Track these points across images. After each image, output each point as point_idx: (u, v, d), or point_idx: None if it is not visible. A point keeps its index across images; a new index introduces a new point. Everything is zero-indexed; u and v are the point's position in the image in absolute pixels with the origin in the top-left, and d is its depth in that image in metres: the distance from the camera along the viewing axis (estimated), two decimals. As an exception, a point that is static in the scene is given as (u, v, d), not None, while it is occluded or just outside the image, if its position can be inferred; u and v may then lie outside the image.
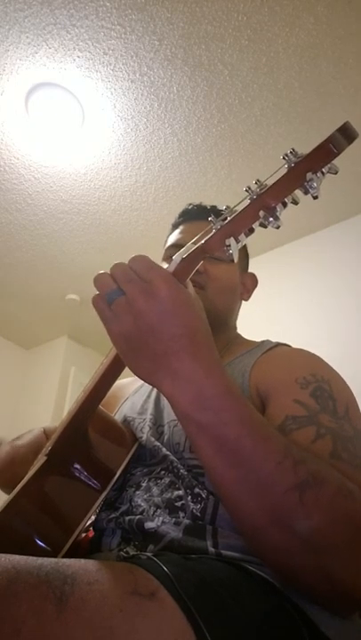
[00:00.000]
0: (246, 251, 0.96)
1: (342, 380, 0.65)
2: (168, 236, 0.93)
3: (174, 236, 0.89)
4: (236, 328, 0.90)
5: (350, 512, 0.41)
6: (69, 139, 2.18)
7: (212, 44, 1.77)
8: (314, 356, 0.71)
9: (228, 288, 0.84)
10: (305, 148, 0.41)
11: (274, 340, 0.81)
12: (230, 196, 2.38)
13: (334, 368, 0.68)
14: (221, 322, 0.83)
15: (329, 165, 0.40)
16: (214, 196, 2.42)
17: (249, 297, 0.93)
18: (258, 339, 0.84)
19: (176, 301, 0.45)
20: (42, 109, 2.02)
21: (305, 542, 0.40)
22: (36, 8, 1.68)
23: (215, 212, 0.86)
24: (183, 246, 0.50)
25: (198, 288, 0.78)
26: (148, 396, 0.81)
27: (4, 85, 1.94)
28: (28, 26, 1.73)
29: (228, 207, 0.47)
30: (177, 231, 0.90)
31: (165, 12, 1.68)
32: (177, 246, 0.83)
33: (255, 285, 0.94)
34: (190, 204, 0.93)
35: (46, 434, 0.86)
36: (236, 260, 0.47)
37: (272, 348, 0.75)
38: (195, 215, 0.89)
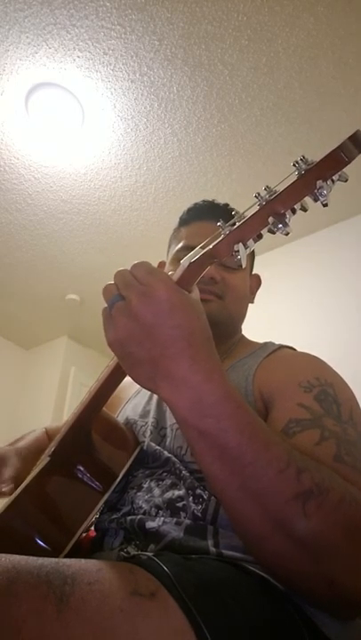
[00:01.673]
0: (253, 252, 0.93)
1: (346, 384, 0.65)
2: (176, 231, 0.89)
3: (187, 237, 0.84)
4: (241, 330, 0.89)
5: (352, 517, 0.41)
6: (69, 139, 2.18)
7: (212, 43, 1.77)
8: (318, 359, 0.70)
9: (243, 296, 0.83)
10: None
11: (275, 340, 0.80)
12: (230, 195, 2.38)
13: (334, 368, 0.68)
14: (233, 329, 0.83)
15: (339, 173, 0.40)
16: (214, 196, 2.38)
17: (254, 299, 0.92)
18: (257, 339, 0.84)
19: (174, 303, 0.44)
20: (42, 109, 2.02)
21: (306, 547, 0.40)
22: (36, 8, 1.68)
23: (227, 212, 0.83)
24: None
25: (217, 297, 0.77)
26: (150, 398, 0.80)
27: (4, 85, 1.94)
28: (28, 26, 1.73)
29: (237, 212, 0.46)
30: (190, 230, 0.85)
31: (165, 11, 1.68)
32: (191, 248, 0.81)
33: (259, 286, 0.94)
34: (204, 201, 0.88)
35: (48, 434, 0.86)
36: (244, 266, 0.46)
37: (275, 351, 0.75)
38: (208, 214, 0.84)
